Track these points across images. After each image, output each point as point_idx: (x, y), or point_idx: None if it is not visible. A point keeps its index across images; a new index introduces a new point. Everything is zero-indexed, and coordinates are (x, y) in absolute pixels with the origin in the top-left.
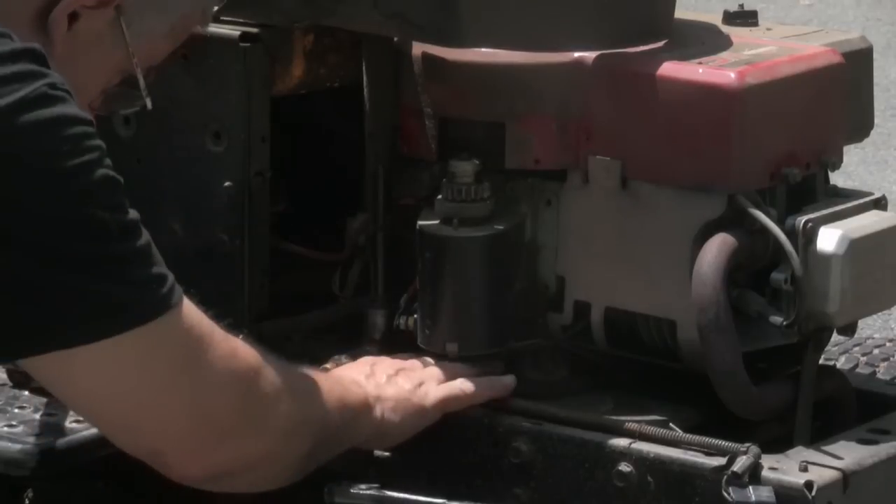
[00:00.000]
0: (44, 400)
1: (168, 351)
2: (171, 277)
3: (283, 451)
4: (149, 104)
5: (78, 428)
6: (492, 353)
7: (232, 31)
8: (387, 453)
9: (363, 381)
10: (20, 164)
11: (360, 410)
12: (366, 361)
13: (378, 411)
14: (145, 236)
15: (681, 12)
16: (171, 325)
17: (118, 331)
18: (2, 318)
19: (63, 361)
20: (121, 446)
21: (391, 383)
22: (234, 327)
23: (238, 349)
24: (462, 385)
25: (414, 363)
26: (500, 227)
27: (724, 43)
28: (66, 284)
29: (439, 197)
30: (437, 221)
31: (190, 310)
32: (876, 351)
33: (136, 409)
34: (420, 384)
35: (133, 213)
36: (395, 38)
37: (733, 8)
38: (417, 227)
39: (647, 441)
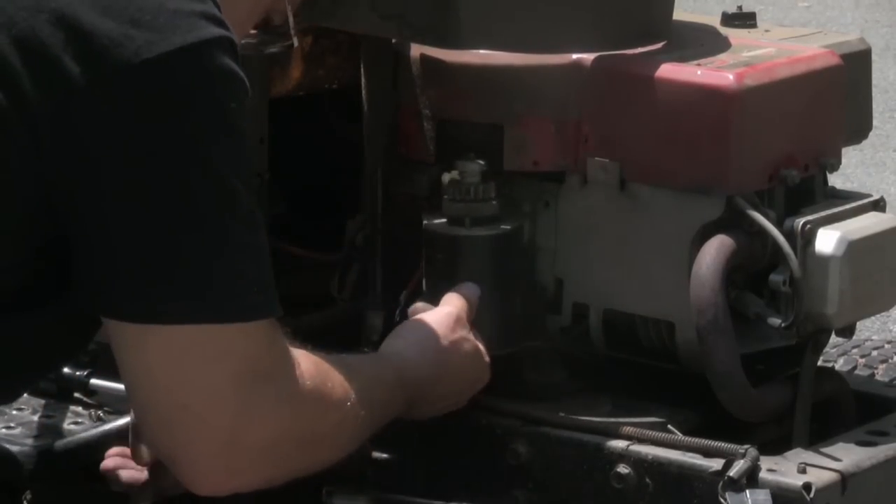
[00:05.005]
0: (42, 402)
1: (234, 363)
2: (273, 293)
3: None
4: (295, 42)
5: (76, 430)
6: (502, 353)
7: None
8: (385, 454)
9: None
10: (192, 98)
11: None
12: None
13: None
14: (265, 240)
15: (679, 14)
16: (249, 338)
17: (200, 319)
18: (104, 265)
19: (139, 331)
20: (149, 439)
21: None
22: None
23: (305, 398)
24: None
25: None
26: (509, 227)
27: (722, 44)
28: (175, 242)
29: (445, 197)
30: (444, 221)
31: (276, 336)
32: (874, 353)
33: (177, 409)
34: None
35: (260, 214)
36: (394, 40)
37: (731, 9)
38: (424, 227)
39: (645, 443)
